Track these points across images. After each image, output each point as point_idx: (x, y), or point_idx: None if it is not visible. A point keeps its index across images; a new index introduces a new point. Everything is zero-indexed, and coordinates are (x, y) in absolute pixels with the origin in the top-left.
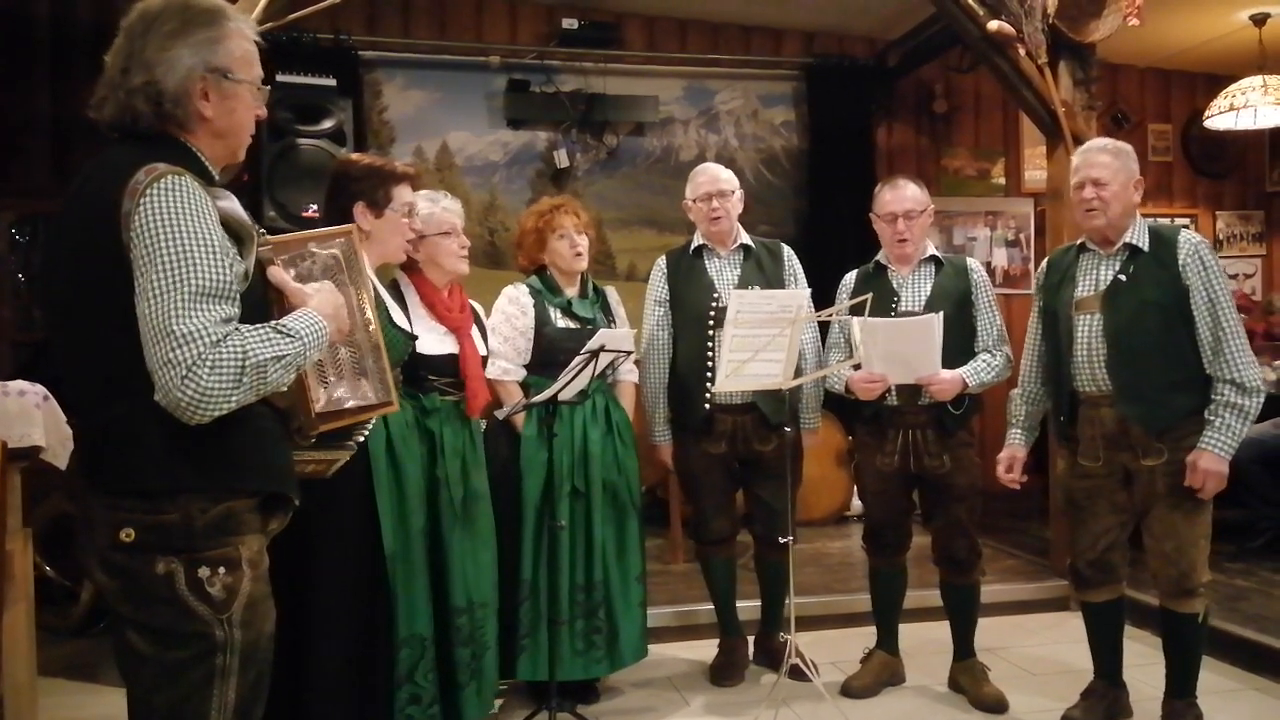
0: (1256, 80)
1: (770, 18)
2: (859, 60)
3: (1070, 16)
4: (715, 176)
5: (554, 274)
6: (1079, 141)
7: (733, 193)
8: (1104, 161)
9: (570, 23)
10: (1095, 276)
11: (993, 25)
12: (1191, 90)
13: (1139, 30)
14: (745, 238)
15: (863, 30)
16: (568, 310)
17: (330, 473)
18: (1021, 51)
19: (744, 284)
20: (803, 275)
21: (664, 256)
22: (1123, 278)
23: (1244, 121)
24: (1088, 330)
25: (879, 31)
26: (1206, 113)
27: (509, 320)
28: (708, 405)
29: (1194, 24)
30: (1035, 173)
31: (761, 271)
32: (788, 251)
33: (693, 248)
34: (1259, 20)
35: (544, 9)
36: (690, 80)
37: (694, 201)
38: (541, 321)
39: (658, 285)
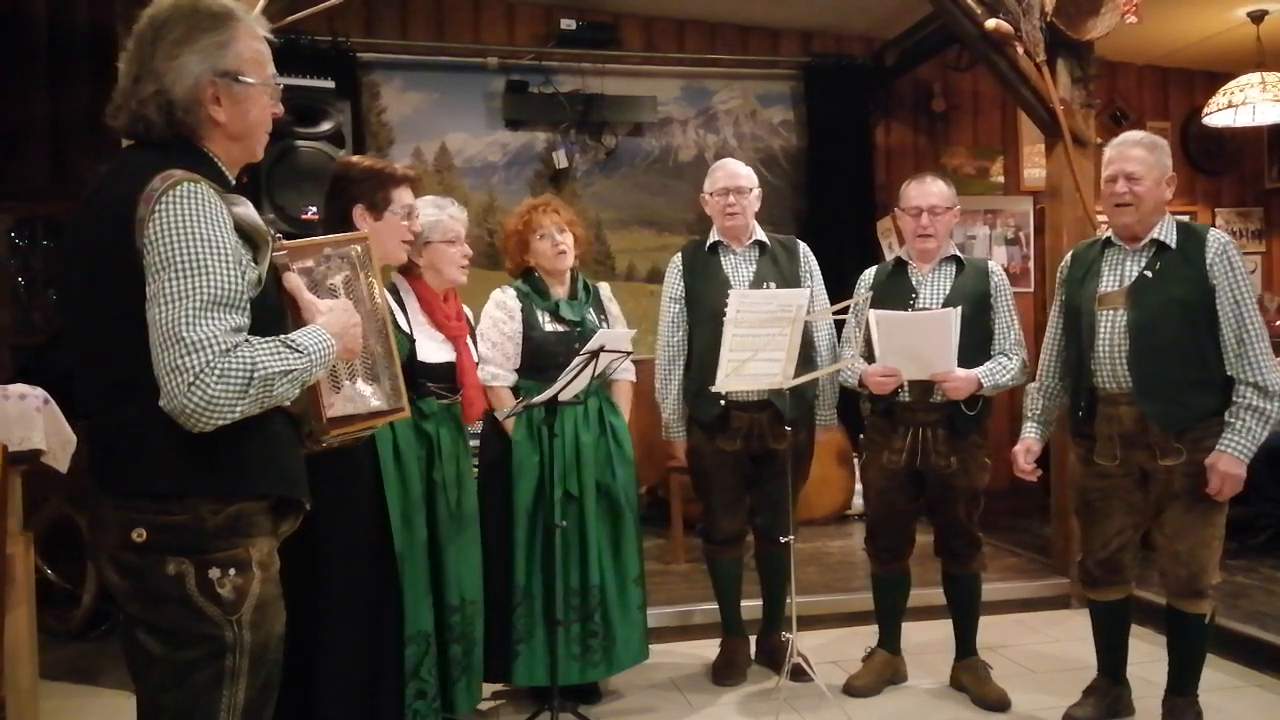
0: (1255, 77)
1: (768, 17)
2: (857, 59)
3: (1068, 14)
4: (734, 173)
5: (541, 275)
6: (1078, 139)
7: (750, 190)
8: (1138, 155)
9: (568, 23)
10: (1120, 272)
11: (990, 23)
12: (1190, 87)
13: (1137, 28)
14: (760, 234)
15: (860, 29)
16: (555, 313)
17: (358, 442)
18: (1019, 49)
19: (759, 280)
20: (819, 271)
21: (679, 253)
22: (1148, 274)
23: (1242, 119)
24: (1110, 326)
25: (876, 30)
26: (1205, 110)
27: (496, 325)
28: (723, 402)
29: (1192, 21)
30: (1034, 171)
31: (777, 267)
32: (804, 248)
33: (708, 244)
34: (1257, 17)
35: (541, 10)
36: (688, 80)
37: (710, 196)
38: (529, 326)
39: (673, 281)
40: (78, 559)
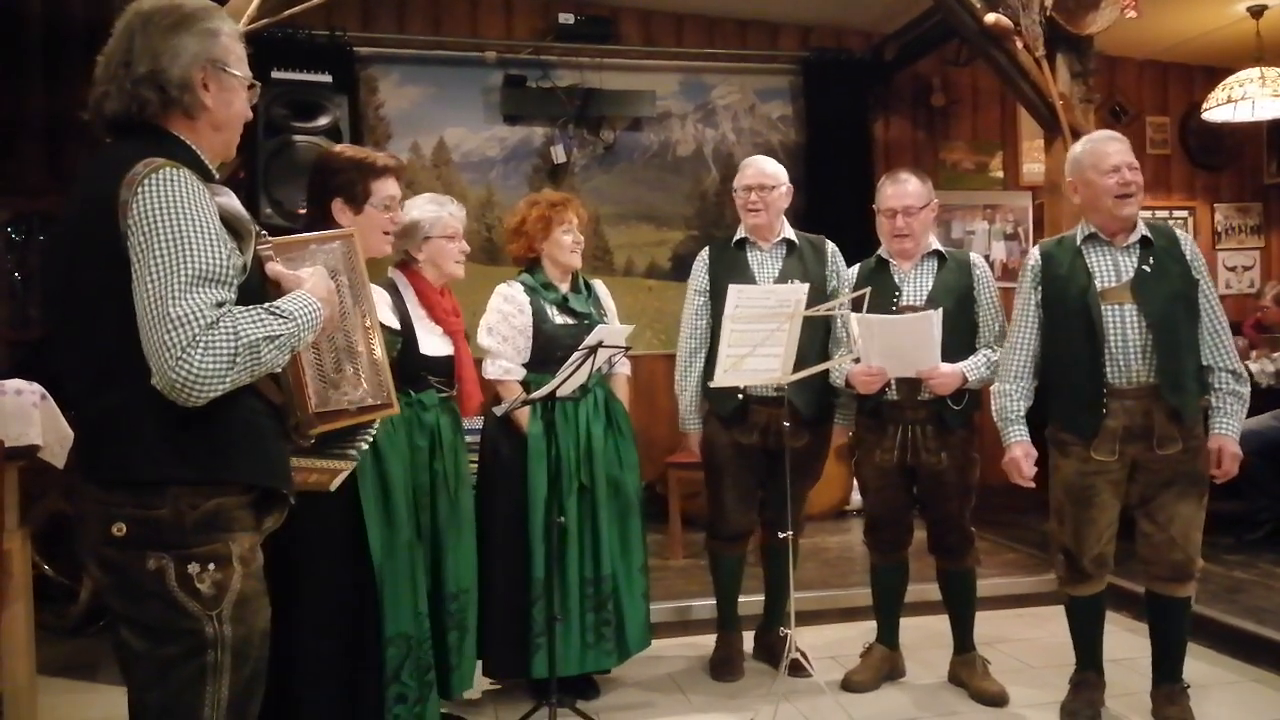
0: (1254, 72)
1: (767, 11)
2: (856, 54)
3: (1068, 9)
4: (760, 170)
5: (548, 268)
6: (1077, 134)
7: (774, 188)
8: (1128, 148)
9: (566, 17)
10: (1115, 268)
11: (990, 18)
12: (1189, 82)
13: (1137, 22)
14: (789, 232)
15: (860, 24)
16: (564, 306)
17: (333, 486)
18: (1019, 44)
19: (785, 278)
20: (845, 272)
21: (707, 247)
22: (1146, 269)
23: (1242, 114)
24: (1120, 321)
25: (876, 25)
26: (1204, 105)
27: (506, 319)
28: (741, 395)
29: (1192, 16)
30: (1033, 166)
31: (804, 267)
32: (832, 248)
33: (735, 239)
34: (1256, 12)
35: (540, 3)
36: (687, 75)
37: (737, 191)
38: (540, 319)
39: (699, 274)
40: (75, 555)
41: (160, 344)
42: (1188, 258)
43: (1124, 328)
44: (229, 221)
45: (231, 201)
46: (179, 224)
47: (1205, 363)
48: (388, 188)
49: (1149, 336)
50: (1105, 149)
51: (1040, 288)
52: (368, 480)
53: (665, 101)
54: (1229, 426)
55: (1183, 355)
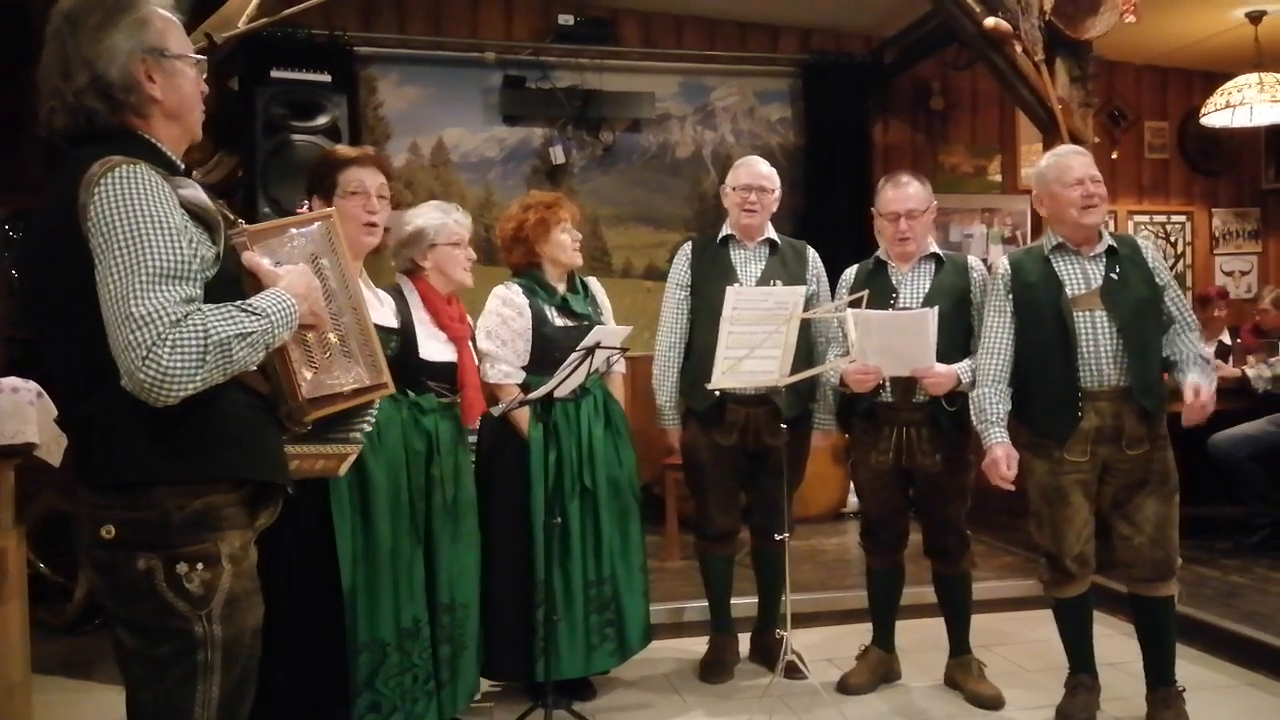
0: (1252, 78)
1: (767, 14)
2: (855, 57)
3: (1067, 13)
4: (757, 171)
5: (548, 269)
6: (1076, 138)
7: (771, 191)
8: (1091, 161)
9: (566, 19)
10: (1084, 276)
11: (989, 22)
12: (1188, 87)
13: (1135, 27)
14: (772, 234)
15: (859, 27)
16: (564, 308)
17: (342, 470)
18: (1018, 48)
19: (766, 279)
20: (825, 277)
21: (689, 242)
22: (1113, 276)
23: (1240, 119)
24: (1092, 326)
25: (875, 28)
26: (1203, 110)
27: (506, 323)
28: (717, 393)
29: (1190, 21)
30: (1032, 170)
31: (785, 268)
32: (813, 254)
33: (719, 237)
34: (1255, 18)
35: (539, 5)
36: (686, 77)
37: (732, 190)
38: (539, 322)
39: (680, 269)
40: (71, 553)
41: (125, 343)
42: (1149, 264)
43: (1095, 333)
44: (195, 213)
45: (196, 193)
46: (136, 222)
47: (1178, 356)
48: (355, 175)
49: (1119, 341)
50: (1069, 162)
51: (1012, 295)
52: (341, 482)
53: (664, 103)
54: (1201, 375)
55: (1151, 358)
